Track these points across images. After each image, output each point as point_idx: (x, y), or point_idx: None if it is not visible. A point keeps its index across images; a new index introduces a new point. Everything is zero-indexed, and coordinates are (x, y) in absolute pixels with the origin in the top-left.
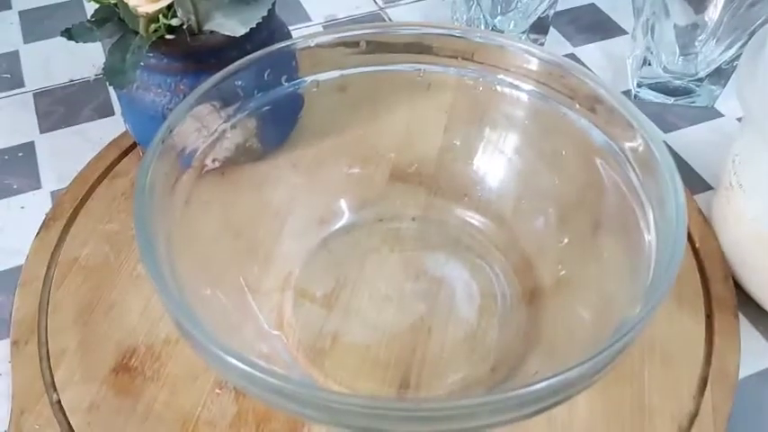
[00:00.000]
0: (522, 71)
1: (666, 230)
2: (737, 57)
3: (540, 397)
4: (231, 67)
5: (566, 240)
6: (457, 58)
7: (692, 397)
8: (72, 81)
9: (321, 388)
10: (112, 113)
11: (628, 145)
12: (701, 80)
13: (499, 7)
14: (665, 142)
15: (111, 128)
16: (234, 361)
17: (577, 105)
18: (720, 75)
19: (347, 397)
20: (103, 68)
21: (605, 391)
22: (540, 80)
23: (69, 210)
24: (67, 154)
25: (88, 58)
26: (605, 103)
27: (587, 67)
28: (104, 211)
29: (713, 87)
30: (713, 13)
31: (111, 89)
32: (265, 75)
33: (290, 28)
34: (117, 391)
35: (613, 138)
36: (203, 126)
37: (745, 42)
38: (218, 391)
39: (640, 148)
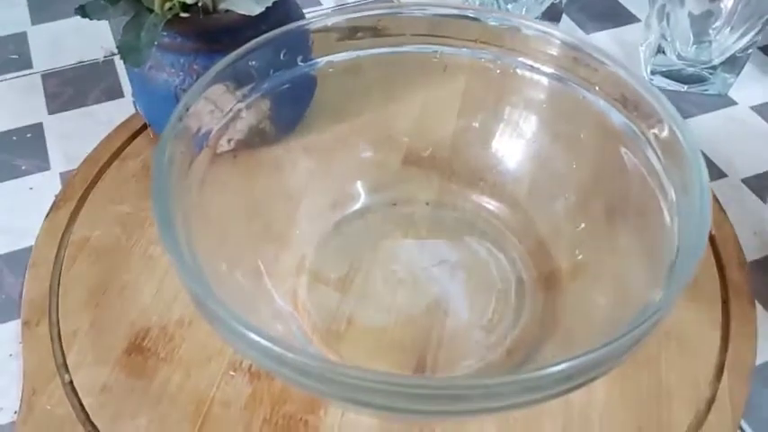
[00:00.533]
0: (540, 53)
1: (690, 215)
2: (752, 45)
3: (559, 379)
4: (247, 46)
5: (583, 225)
6: (474, 40)
7: (708, 383)
8: (81, 62)
9: (340, 363)
10: (121, 95)
11: (651, 130)
12: (714, 68)
13: None
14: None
15: (120, 110)
16: (255, 336)
17: (597, 88)
18: (734, 63)
19: (368, 373)
20: (118, 46)
21: (622, 375)
22: (559, 63)
23: (80, 191)
24: (76, 135)
25: (97, 40)
26: (627, 87)
27: None
28: (115, 193)
29: (727, 75)
30: (728, 0)
31: (120, 71)
32: (281, 54)
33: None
34: (130, 373)
35: (635, 122)
36: (217, 107)
37: (760, 30)
38: (232, 372)
39: (664, 133)
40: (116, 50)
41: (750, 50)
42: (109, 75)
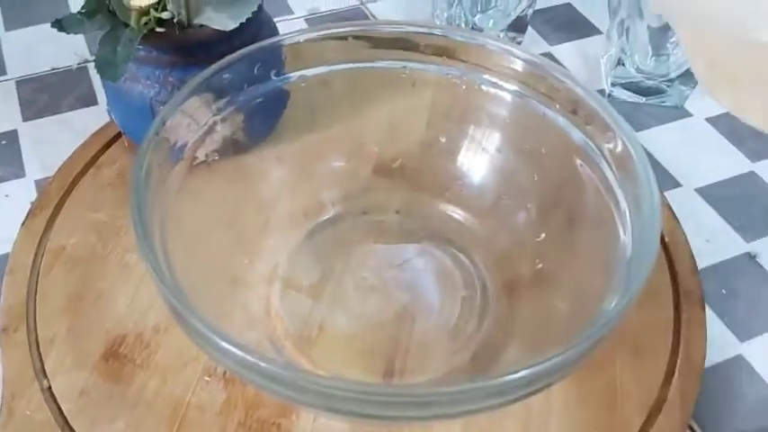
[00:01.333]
0: (504, 71)
1: (642, 229)
2: None
3: (520, 385)
4: (222, 62)
5: (543, 235)
6: (441, 56)
7: (660, 385)
8: (54, 69)
9: (311, 372)
10: (95, 103)
11: (606, 145)
12: (671, 80)
13: (479, 5)
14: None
15: (95, 117)
16: (228, 345)
17: (557, 105)
18: (691, 76)
19: (337, 381)
20: (95, 61)
21: (579, 379)
22: (522, 80)
23: (56, 199)
24: (51, 143)
25: (70, 46)
26: (584, 104)
27: (563, 66)
28: (91, 201)
29: (683, 88)
30: None
31: (94, 78)
32: (255, 69)
33: (274, 20)
34: (107, 378)
35: (592, 137)
36: (194, 120)
37: None
38: (207, 378)
39: (618, 149)
40: (89, 57)
41: None
42: (83, 82)
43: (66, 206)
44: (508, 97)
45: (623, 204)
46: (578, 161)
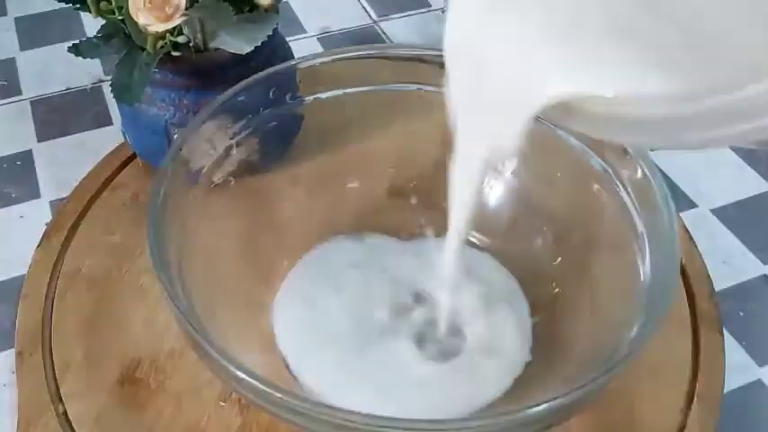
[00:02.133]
0: None
1: (660, 257)
2: None
3: (539, 419)
4: (239, 86)
5: (559, 259)
6: None
7: (679, 411)
8: (68, 89)
9: (326, 405)
10: (110, 123)
11: (624, 171)
12: None
13: None
14: (659, 169)
15: (110, 137)
16: (243, 375)
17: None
18: None
19: (352, 414)
20: (111, 85)
21: (596, 406)
22: None
23: (71, 220)
24: (66, 163)
25: (85, 66)
26: None
27: None
28: (106, 223)
29: None
30: None
31: (108, 98)
32: (270, 93)
33: (287, 38)
34: (123, 403)
35: (609, 162)
36: (210, 144)
37: None
38: (222, 403)
39: (637, 175)
40: (104, 77)
41: None
42: (97, 102)
43: (81, 228)
44: None
45: (641, 230)
46: (595, 186)
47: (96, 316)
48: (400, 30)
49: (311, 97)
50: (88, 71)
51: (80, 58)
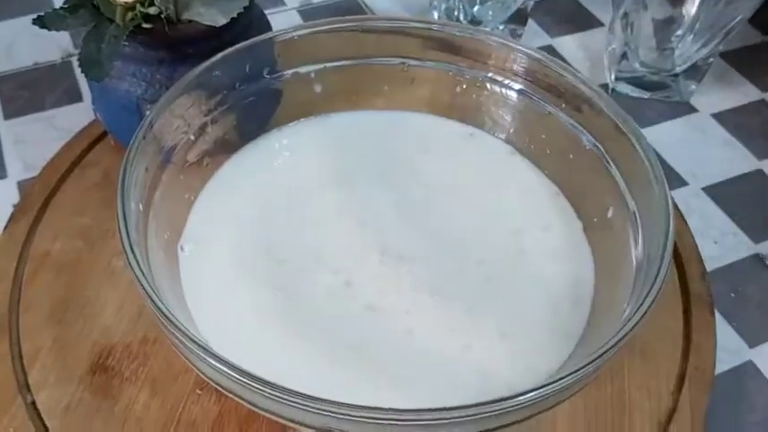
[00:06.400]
0: (505, 67)
1: (652, 236)
2: (713, 54)
3: (530, 404)
4: (214, 59)
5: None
6: (442, 52)
7: (670, 393)
8: (37, 64)
9: (299, 392)
10: (80, 100)
11: (613, 147)
12: (676, 75)
13: None
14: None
15: (80, 115)
16: (211, 359)
17: (563, 104)
18: (696, 71)
19: (330, 404)
20: (78, 60)
21: (587, 389)
22: (524, 76)
23: (39, 202)
24: (34, 142)
25: (54, 40)
26: (590, 102)
27: (565, 60)
28: (76, 203)
29: (689, 83)
30: (690, 7)
31: (78, 73)
32: (247, 67)
33: (266, 12)
34: (94, 392)
35: (599, 138)
36: (184, 120)
37: (721, 40)
38: (198, 391)
39: (627, 152)
40: (74, 51)
41: (711, 59)
42: (67, 77)
43: (50, 209)
44: (511, 95)
45: (632, 207)
46: (585, 162)
47: (66, 301)
48: (383, 1)
49: (290, 71)
50: (57, 45)
51: (48, 31)
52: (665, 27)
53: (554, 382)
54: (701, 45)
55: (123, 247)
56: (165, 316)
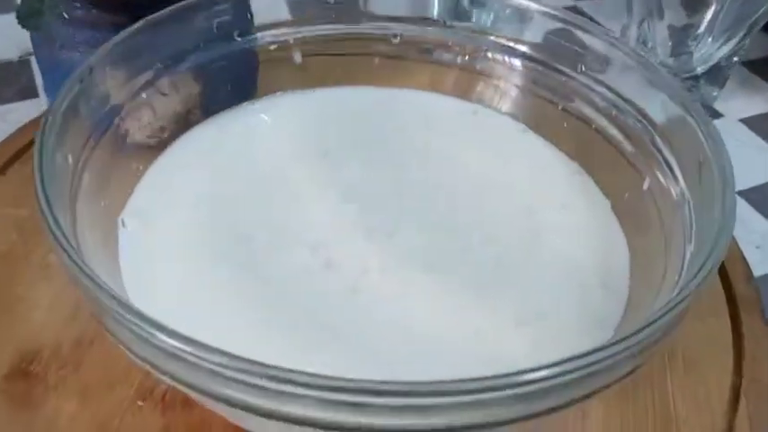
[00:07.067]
0: (515, 30)
1: (707, 191)
2: (735, 53)
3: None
4: (166, 12)
5: None
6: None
7: (724, 409)
8: None
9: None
10: (36, 95)
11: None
12: (697, 78)
13: None
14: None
15: (34, 110)
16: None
17: (582, 67)
18: (718, 73)
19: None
20: (16, 12)
21: (622, 398)
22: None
23: None
24: None
25: (11, 40)
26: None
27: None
28: (14, 196)
29: (711, 88)
30: (707, 12)
31: (35, 70)
32: (214, 26)
33: None
34: (11, 403)
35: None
36: (133, 74)
37: (743, 36)
38: (140, 402)
39: (669, 112)
40: (31, 50)
41: (735, 58)
42: (23, 75)
43: None
44: (519, 65)
45: (677, 172)
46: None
47: None
48: None
49: (266, 34)
50: (16, 44)
51: (7, 29)
52: (682, 32)
53: (607, 347)
54: (723, 42)
55: (37, 193)
56: (90, 278)
